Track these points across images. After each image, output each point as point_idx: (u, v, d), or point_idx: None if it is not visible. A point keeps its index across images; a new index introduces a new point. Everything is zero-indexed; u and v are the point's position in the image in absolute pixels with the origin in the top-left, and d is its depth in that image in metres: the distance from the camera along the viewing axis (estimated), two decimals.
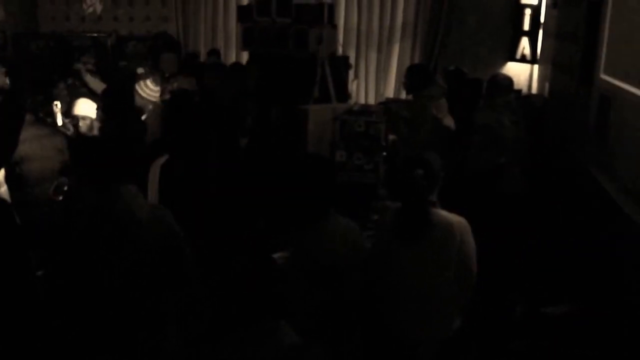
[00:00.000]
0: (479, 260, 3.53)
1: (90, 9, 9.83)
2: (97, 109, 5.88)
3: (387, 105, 7.46)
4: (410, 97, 6.67)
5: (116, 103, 5.59)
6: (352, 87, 8.45)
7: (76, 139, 5.51)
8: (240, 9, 8.42)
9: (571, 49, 5.94)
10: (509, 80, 6.20)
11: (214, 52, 9.18)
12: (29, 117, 4.89)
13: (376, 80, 9.59)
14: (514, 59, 8.83)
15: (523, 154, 5.92)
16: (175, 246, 3.14)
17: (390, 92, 9.45)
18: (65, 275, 3.16)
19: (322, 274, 3.22)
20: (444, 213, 3.51)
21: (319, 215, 3.31)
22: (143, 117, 6.21)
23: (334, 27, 7.86)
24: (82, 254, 3.02)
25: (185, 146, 4.35)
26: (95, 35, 10.27)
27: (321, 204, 3.31)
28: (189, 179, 4.17)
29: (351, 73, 8.48)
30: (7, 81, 6.29)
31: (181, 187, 4.11)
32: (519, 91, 8.56)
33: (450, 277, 3.46)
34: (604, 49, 5.03)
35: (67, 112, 6.01)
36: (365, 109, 6.74)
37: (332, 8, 7.83)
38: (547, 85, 7.55)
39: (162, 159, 4.27)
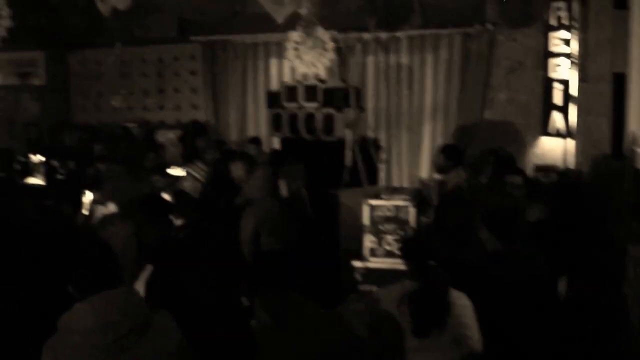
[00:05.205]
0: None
1: (121, 100, 10.12)
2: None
3: (419, 189, 7.33)
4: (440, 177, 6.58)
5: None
6: (384, 169, 8.39)
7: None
8: (269, 95, 8.55)
9: (603, 123, 5.84)
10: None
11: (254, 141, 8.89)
12: None
13: (409, 162, 9.48)
14: (546, 134, 8.69)
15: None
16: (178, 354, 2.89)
17: (423, 173, 9.35)
18: None
19: None
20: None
21: None
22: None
23: (362, 110, 7.88)
24: None
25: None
26: (126, 125, 10.46)
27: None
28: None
29: (382, 155, 8.43)
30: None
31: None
32: (554, 167, 8.43)
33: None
34: (634, 122, 4.92)
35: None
36: (396, 192, 6.62)
37: (360, 91, 7.88)
38: (583, 159, 7.40)
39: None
